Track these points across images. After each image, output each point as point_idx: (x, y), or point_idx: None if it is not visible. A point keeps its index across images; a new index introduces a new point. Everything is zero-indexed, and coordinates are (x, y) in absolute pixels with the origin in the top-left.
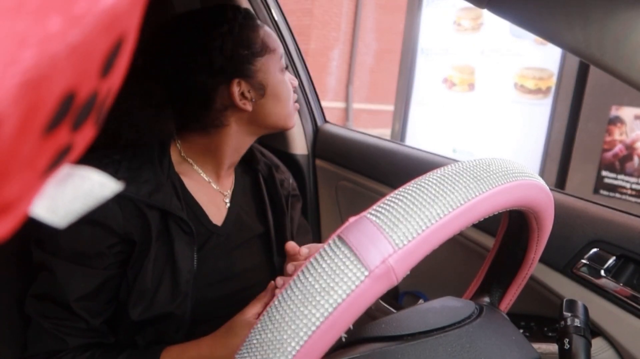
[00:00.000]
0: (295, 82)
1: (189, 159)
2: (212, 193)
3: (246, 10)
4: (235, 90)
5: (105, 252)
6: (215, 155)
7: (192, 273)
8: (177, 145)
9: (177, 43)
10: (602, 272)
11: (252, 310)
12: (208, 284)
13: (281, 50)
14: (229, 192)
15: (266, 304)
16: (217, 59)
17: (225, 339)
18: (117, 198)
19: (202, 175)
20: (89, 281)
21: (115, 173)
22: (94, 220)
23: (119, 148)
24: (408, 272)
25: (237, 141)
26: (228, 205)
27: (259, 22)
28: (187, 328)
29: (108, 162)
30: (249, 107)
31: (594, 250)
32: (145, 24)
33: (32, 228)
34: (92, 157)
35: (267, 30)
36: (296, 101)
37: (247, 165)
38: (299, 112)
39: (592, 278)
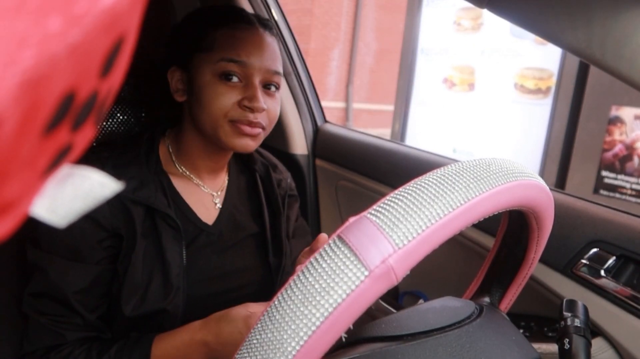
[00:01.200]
0: (258, 105)
1: (173, 158)
2: (200, 193)
3: (239, 9)
4: (172, 77)
5: (96, 247)
6: (188, 154)
7: (182, 267)
8: (167, 144)
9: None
10: (602, 272)
11: (255, 307)
12: (200, 281)
13: (232, 57)
14: (219, 193)
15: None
16: (166, 46)
17: (217, 324)
18: None
19: (188, 174)
20: (82, 276)
21: (101, 169)
22: (84, 215)
23: (111, 146)
24: (408, 272)
25: (199, 141)
26: (218, 206)
27: (243, 25)
28: (180, 325)
29: (95, 159)
30: (178, 97)
31: (594, 250)
32: (145, 24)
33: (29, 227)
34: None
35: (236, 35)
36: (251, 125)
37: (244, 164)
38: (299, 111)
39: (592, 278)
